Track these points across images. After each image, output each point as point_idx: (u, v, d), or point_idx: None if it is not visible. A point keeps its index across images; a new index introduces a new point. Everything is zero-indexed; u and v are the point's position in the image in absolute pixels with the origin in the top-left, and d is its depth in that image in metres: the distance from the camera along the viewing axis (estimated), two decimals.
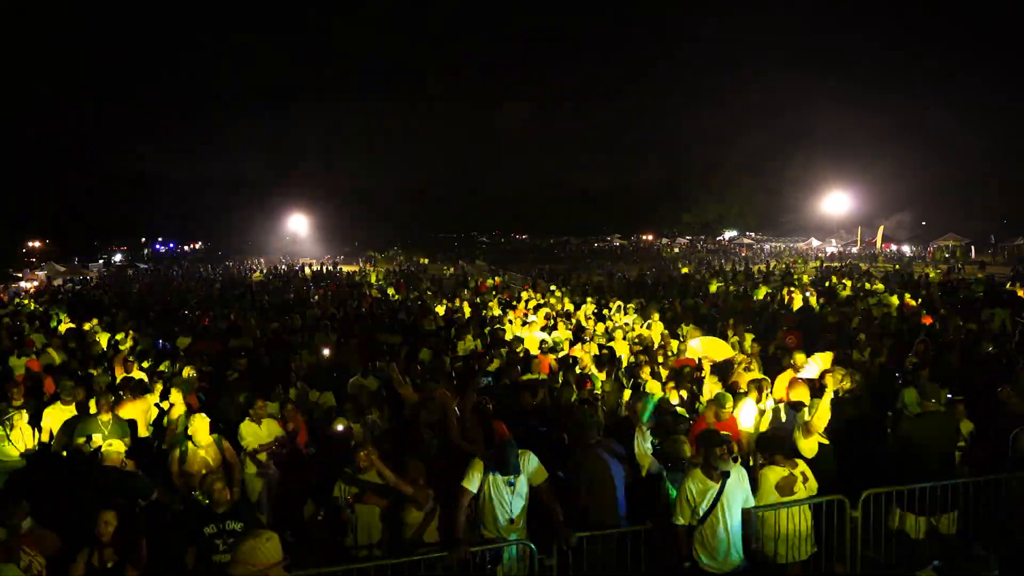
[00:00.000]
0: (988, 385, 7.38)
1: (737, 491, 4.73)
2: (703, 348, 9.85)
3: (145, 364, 10.18)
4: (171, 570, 4.80)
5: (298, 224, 69.74)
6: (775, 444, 5.31)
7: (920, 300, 16.02)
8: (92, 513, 4.34)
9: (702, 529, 4.67)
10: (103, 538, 4.19)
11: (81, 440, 6.31)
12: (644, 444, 5.60)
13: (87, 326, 14.10)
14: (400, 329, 13.79)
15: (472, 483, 4.79)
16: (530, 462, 4.87)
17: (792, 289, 18.22)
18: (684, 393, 7.79)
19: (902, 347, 10.20)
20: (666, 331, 12.21)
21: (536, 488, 4.87)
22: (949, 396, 6.39)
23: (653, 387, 8.01)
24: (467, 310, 16.91)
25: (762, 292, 19.07)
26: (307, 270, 40.36)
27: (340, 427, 6.92)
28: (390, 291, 25.08)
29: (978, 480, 5.63)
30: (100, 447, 6.23)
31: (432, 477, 5.22)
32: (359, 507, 5.23)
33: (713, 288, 21.37)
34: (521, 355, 9.83)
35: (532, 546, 4.77)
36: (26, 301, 23.10)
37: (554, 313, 15.19)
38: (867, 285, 20.26)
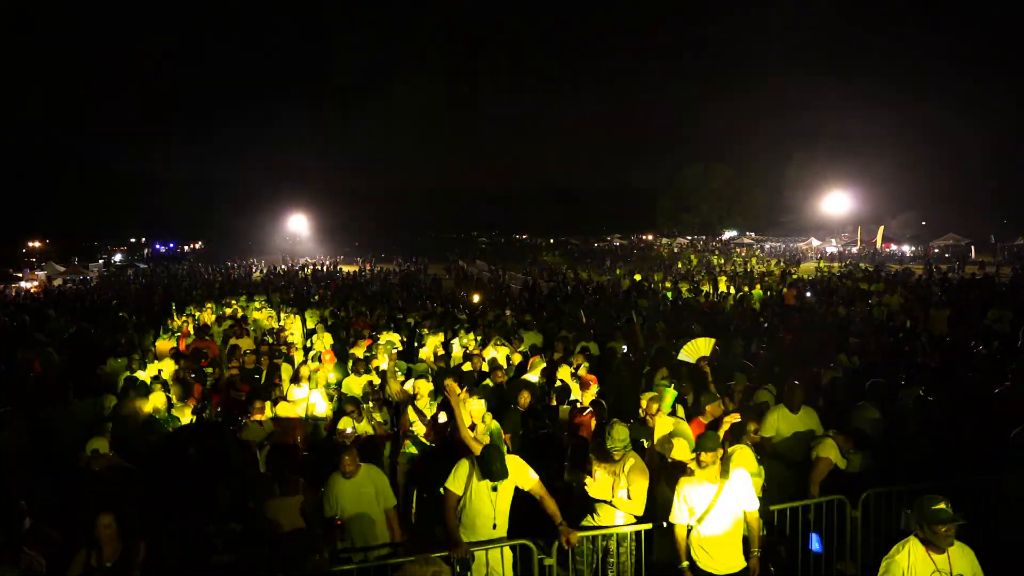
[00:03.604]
0: (987, 385, 7.37)
1: (736, 492, 4.72)
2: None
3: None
4: (170, 570, 4.79)
5: (298, 224, 69.74)
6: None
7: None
8: (92, 512, 4.32)
9: (701, 529, 4.67)
10: (101, 540, 4.17)
11: None
12: (665, 431, 5.71)
13: None
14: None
15: (456, 485, 4.73)
16: (517, 467, 4.78)
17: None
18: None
19: (899, 347, 10.20)
20: None
21: (529, 492, 4.80)
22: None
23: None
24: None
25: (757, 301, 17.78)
26: (307, 269, 40.38)
27: (348, 429, 6.86)
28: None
29: (978, 480, 5.61)
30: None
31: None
32: (349, 519, 5.05)
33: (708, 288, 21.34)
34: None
35: (532, 546, 4.76)
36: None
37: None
38: (872, 286, 20.17)
